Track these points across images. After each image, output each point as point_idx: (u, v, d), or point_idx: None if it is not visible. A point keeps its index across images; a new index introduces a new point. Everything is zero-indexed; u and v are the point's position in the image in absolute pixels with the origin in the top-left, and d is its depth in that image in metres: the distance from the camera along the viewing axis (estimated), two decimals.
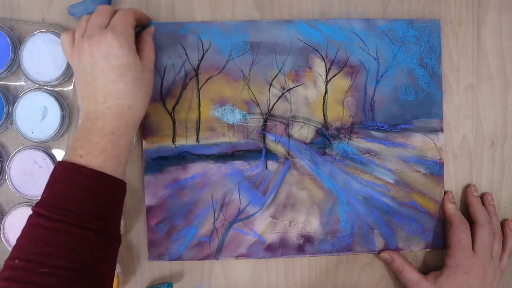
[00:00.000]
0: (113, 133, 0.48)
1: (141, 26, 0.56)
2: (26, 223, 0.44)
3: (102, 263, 0.46)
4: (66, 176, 0.46)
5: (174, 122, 0.59)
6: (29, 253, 0.42)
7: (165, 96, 0.59)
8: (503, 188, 0.64)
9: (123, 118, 0.49)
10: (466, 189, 0.63)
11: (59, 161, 0.47)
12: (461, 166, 0.63)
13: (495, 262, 0.58)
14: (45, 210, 0.44)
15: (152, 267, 0.60)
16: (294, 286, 0.62)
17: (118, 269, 0.58)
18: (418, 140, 0.61)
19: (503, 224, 0.62)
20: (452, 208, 0.60)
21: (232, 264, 0.61)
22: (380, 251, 0.61)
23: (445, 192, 0.62)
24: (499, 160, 0.64)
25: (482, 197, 0.63)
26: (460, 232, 0.58)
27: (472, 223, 0.60)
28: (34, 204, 0.45)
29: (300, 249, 0.60)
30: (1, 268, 0.43)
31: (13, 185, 0.57)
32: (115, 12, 0.52)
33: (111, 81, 0.48)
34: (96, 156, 0.46)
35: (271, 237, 0.60)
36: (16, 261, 0.42)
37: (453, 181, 0.63)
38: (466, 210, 0.62)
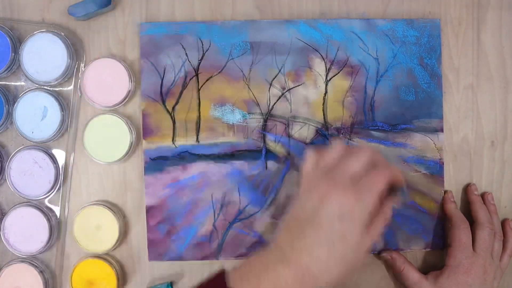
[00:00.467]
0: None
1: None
2: None
3: None
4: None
5: (174, 122, 0.59)
6: None
7: (165, 96, 0.59)
8: (503, 188, 0.64)
9: (304, 281, 0.42)
10: (467, 188, 0.63)
11: (224, 281, 0.43)
12: (461, 166, 0.63)
13: (495, 262, 0.58)
14: None
15: (152, 267, 0.60)
16: None
17: (118, 269, 0.58)
18: (418, 140, 0.61)
19: (503, 223, 0.62)
20: (452, 208, 0.60)
21: (233, 264, 0.60)
22: (380, 251, 0.61)
23: (445, 192, 0.62)
24: (499, 160, 0.64)
25: (482, 196, 0.62)
26: (460, 232, 0.58)
27: (472, 222, 0.60)
28: None
29: None
30: None
31: (13, 185, 0.57)
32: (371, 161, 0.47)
33: (317, 239, 0.42)
34: None
35: (271, 237, 0.59)
36: None
37: (453, 181, 0.63)
38: (466, 209, 0.62)
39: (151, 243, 0.59)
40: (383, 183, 0.45)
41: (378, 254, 0.61)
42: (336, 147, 0.48)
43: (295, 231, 0.44)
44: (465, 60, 0.63)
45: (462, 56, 0.63)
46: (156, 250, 0.59)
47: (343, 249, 0.42)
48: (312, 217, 0.43)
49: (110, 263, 0.58)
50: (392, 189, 0.48)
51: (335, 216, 0.42)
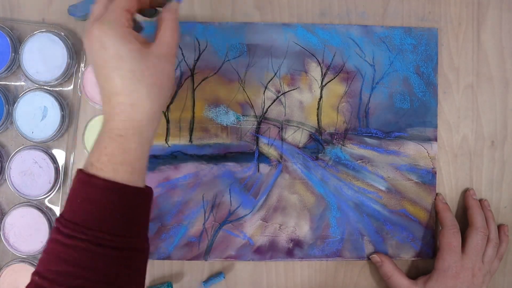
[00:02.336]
0: (121, 135, 0.42)
1: (157, 5, 0.49)
2: (49, 235, 0.43)
3: (125, 279, 0.42)
4: (80, 187, 0.42)
5: (168, 121, 0.60)
6: (48, 271, 0.40)
7: None
8: (503, 188, 0.64)
9: (128, 118, 0.42)
10: (466, 192, 0.62)
11: (77, 169, 0.43)
12: (461, 166, 0.63)
13: (485, 267, 0.58)
14: (62, 226, 0.41)
15: (152, 267, 0.61)
16: (294, 286, 0.63)
17: None
18: (411, 149, 0.60)
19: (498, 228, 0.62)
20: (444, 210, 0.60)
21: (233, 265, 0.62)
22: (371, 253, 0.61)
23: (437, 194, 0.61)
24: (499, 160, 0.63)
25: (479, 202, 0.62)
26: (450, 236, 0.58)
27: (467, 225, 0.60)
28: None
29: (290, 253, 0.61)
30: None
31: (13, 185, 0.58)
32: None
33: (106, 77, 0.42)
34: (105, 164, 0.42)
35: (261, 240, 0.61)
36: (37, 278, 0.40)
37: (453, 181, 0.63)
38: (463, 214, 0.62)
39: None
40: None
41: (368, 258, 0.61)
42: None
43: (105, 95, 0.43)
44: (465, 60, 0.62)
45: (462, 56, 0.62)
46: None
47: (121, 74, 0.42)
48: (94, 71, 0.44)
49: None
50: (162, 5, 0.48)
51: (98, 52, 0.42)
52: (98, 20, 0.43)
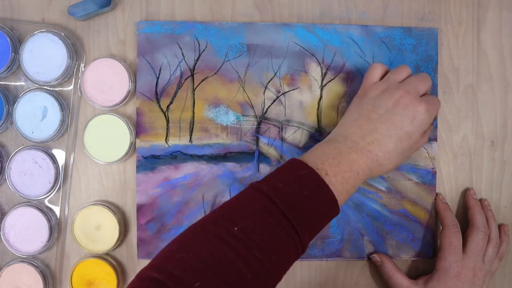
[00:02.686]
0: (358, 173, 0.48)
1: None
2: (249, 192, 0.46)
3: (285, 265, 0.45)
4: (310, 183, 0.46)
5: (168, 121, 0.60)
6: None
7: (160, 95, 0.60)
8: (503, 188, 0.64)
9: (371, 167, 0.49)
10: (466, 192, 0.62)
11: (302, 161, 0.48)
12: (461, 166, 0.63)
13: (486, 267, 0.58)
14: (279, 201, 0.43)
15: None
16: (294, 286, 0.63)
17: (118, 269, 0.60)
18: None
19: (499, 228, 0.62)
20: (445, 209, 0.60)
21: None
22: (371, 253, 0.61)
23: (437, 194, 0.62)
24: (499, 160, 0.63)
25: (479, 202, 0.62)
26: (451, 235, 0.58)
27: (467, 225, 0.60)
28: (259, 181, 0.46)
29: None
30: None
31: (13, 185, 0.58)
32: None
33: (388, 135, 0.50)
34: (339, 183, 0.47)
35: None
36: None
37: (453, 181, 0.63)
38: (463, 212, 0.62)
39: (141, 242, 0.60)
40: (438, 107, 0.54)
41: (368, 258, 0.61)
42: (405, 68, 0.55)
43: (366, 128, 0.50)
44: (465, 60, 0.63)
45: (462, 56, 0.62)
46: (146, 248, 0.60)
47: (406, 145, 0.51)
48: (385, 116, 0.50)
49: (110, 263, 0.59)
50: None
51: (408, 119, 0.50)
52: (426, 102, 0.52)
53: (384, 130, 0.50)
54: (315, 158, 0.48)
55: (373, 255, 0.61)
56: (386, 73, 0.55)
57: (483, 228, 0.59)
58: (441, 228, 0.60)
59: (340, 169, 0.47)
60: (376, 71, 0.55)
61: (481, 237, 0.58)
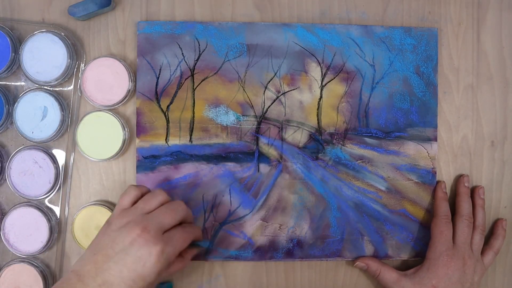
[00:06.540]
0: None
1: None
2: None
3: None
4: None
5: (168, 121, 0.60)
6: None
7: (160, 95, 0.60)
8: (503, 188, 0.64)
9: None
10: (459, 178, 0.62)
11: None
12: (461, 166, 0.63)
13: (475, 255, 0.58)
14: None
15: None
16: (294, 286, 0.63)
17: None
18: (411, 149, 0.60)
19: (496, 222, 0.62)
20: (442, 199, 0.60)
21: (233, 265, 0.62)
22: (354, 260, 0.61)
23: (438, 181, 0.62)
24: (499, 160, 0.63)
25: (473, 189, 0.62)
26: (442, 224, 0.58)
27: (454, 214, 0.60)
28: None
29: (290, 253, 0.61)
30: None
31: (13, 185, 0.58)
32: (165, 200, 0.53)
33: (120, 276, 0.46)
34: None
35: (261, 240, 0.60)
36: None
37: (453, 181, 0.63)
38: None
39: None
40: (187, 242, 0.52)
41: (353, 263, 0.61)
42: (158, 195, 0.53)
43: (100, 266, 0.47)
44: (465, 60, 0.63)
45: (462, 56, 0.63)
46: None
47: (138, 286, 0.47)
48: (120, 255, 0.47)
49: None
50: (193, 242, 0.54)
51: (141, 260, 0.47)
52: (163, 242, 0.49)
53: (117, 271, 0.47)
54: None
55: (357, 263, 0.60)
56: (142, 195, 0.54)
57: (467, 216, 0.59)
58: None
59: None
60: (127, 196, 0.53)
61: (466, 224, 0.58)
